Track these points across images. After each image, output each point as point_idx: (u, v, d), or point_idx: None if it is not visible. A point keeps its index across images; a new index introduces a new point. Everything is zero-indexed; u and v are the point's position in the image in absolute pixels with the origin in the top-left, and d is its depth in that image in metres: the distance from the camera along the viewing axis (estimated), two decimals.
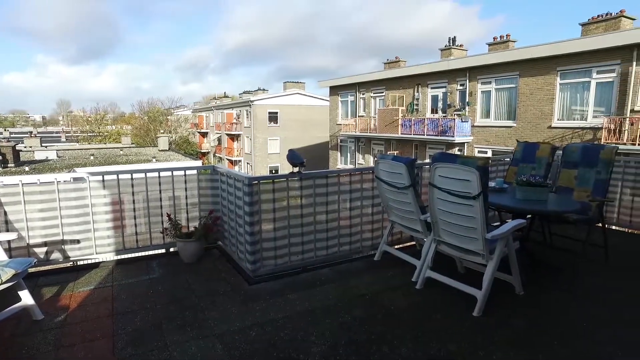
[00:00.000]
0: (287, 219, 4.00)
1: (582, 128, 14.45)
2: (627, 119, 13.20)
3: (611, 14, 15.88)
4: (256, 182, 3.82)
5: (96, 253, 4.22)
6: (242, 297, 3.48)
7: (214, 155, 51.57)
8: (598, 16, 16.26)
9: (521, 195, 3.78)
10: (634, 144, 12.80)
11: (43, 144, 30.15)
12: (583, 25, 16.69)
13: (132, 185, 4.28)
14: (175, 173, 4.52)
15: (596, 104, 14.33)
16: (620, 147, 13.01)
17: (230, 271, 4.08)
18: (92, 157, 19.51)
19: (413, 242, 4.68)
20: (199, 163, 19.57)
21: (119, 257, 4.36)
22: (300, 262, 4.13)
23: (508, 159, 5.35)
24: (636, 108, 13.28)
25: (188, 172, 4.56)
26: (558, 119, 15.28)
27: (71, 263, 4.22)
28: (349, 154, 26.48)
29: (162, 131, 45.82)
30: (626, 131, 13.21)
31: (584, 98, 14.61)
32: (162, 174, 4.42)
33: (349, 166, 26.25)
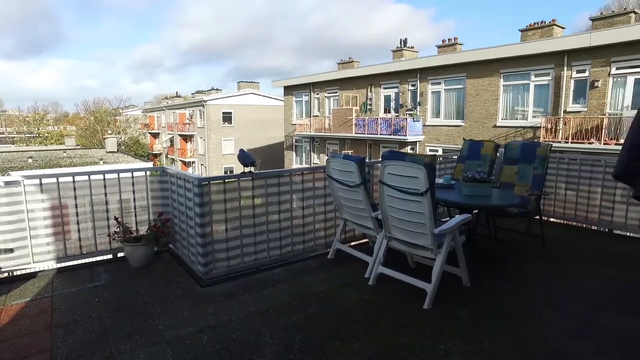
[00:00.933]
0: (239, 219, 3.95)
1: (524, 127, 15.36)
2: (561, 119, 14.19)
3: (545, 22, 17.04)
4: (206, 182, 3.74)
5: (33, 262, 3.95)
6: (194, 300, 3.39)
7: (167, 157, 49.91)
8: (534, 24, 17.37)
9: (467, 191, 3.95)
10: (567, 142, 13.76)
11: None
12: (522, 31, 17.74)
13: (75, 189, 4.04)
14: (122, 175, 4.33)
15: (535, 104, 15.30)
16: (555, 144, 14.00)
17: (182, 274, 3.97)
18: (30, 160, 18.22)
19: (366, 240, 4.77)
20: (149, 165, 18.85)
21: (60, 265, 4.11)
22: (253, 262, 4.08)
23: (456, 157, 5.57)
24: (568, 109, 14.30)
25: (137, 174, 4.38)
26: (502, 119, 16.14)
27: (7, 274, 3.92)
28: (304, 154, 26.54)
29: (110, 132, 43.74)
30: (560, 130, 14.19)
31: (524, 99, 15.55)
32: (109, 176, 4.22)
33: (304, 166, 26.32)
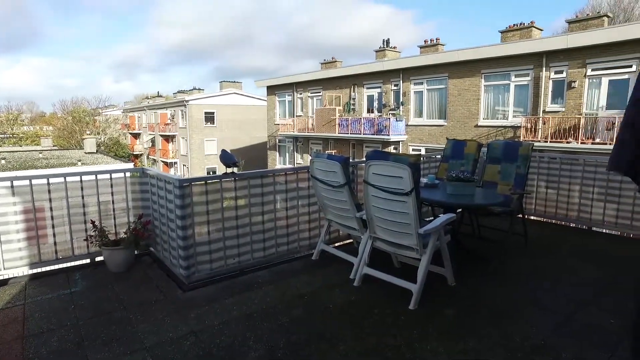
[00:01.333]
0: (221, 221, 3.87)
1: (504, 127, 15.61)
2: (540, 119, 14.47)
3: (524, 24, 17.35)
4: (187, 184, 3.65)
5: (4, 269, 3.78)
6: (175, 305, 3.30)
7: (148, 157, 49.12)
8: (514, 25, 17.67)
9: (451, 190, 3.96)
10: (546, 141, 14.04)
11: None
12: (502, 32, 18.02)
13: (49, 191, 3.90)
14: (101, 177, 4.20)
15: (515, 104, 15.58)
16: (535, 144, 14.29)
17: (163, 278, 3.86)
18: (3, 162, 17.61)
19: (350, 240, 4.74)
20: (130, 165, 18.46)
21: (34, 271, 3.95)
22: (237, 265, 4.01)
23: (439, 156, 5.60)
24: (547, 109, 14.60)
25: (116, 175, 4.25)
26: (484, 118, 16.37)
27: None
28: (287, 154, 26.44)
29: (88, 132, 42.83)
30: (540, 129, 14.47)
31: (505, 99, 15.81)
32: (87, 177, 4.08)
33: (288, 166, 26.22)
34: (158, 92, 57.57)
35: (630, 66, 13.00)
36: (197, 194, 3.71)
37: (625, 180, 4.93)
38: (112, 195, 4.23)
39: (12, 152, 20.05)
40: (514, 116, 15.55)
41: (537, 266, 4.13)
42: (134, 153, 50.67)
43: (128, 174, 4.36)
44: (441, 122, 17.70)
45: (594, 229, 5.38)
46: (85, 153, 21.14)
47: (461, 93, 16.87)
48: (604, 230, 5.30)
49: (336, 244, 4.69)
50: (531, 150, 4.57)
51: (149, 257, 4.44)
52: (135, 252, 4.22)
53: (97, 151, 21.70)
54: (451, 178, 3.97)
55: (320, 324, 2.97)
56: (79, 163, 18.30)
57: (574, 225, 5.55)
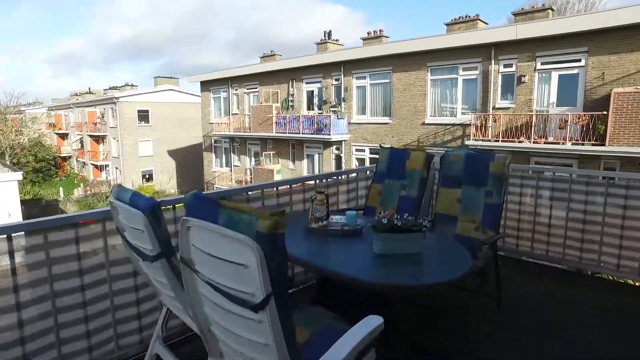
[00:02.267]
0: None
1: (453, 124, 14.35)
2: (491, 116, 13.34)
3: (469, 16, 16.29)
4: None
5: None
6: None
7: (77, 160, 44.65)
8: (459, 17, 16.57)
9: (381, 248, 2.17)
10: (497, 140, 12.92)
11: None
12: (447, 25, 16.84)
13: None
14: None
15: (464, 100, 14.34)
16: (486, 143, 13.16)
17: None
18: None
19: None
20: (18, 176, 15.35)
21: None
22: None
23: (369, 171, 3.83)
24: (497, 105, 13.50)
25: None
26: (431, 115, 15.05)
27: None
28: (224, 156, 24.11)
29: None
30: (490, 128, 13.33)
31: (453, 95, 14.55)
32: None
33: (225, 169, 23.91)
34: (89, 89, 52.51)
35: (579, 60, 12.15)
36: None
37: (632, 205, 3.41)
38: None
39: None
40: (462, 113, 14.33)
41: (517, 349, 2.45)
42: (61, 155, 45.77)
43: None
44: (386, 119, 16.21)
45: (588, 272, 3.84)
46: None
47: (406, 88, 15.45)
48: (600, 274, 3.77)
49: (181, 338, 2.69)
50: (508, 166, 2.89)
51: None
52: None
53: None
54: (381, 226, 2.17)
55: None
56: None
57: (559, 266, 3.96)
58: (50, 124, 47.94)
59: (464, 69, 14.09)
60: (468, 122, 13.80)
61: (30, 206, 31.13)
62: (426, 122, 15.02)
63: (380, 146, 3.76)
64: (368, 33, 19.24)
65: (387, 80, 16.02)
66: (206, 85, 24.26)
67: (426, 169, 3.26)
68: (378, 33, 18.87)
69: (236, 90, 22.53)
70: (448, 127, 14.44)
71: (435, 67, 14.70)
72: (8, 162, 39.55)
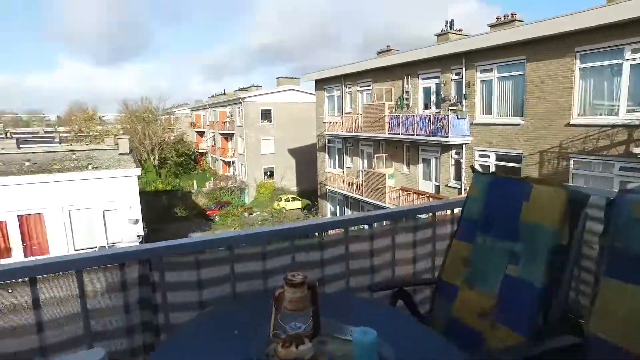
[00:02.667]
0: None
1: (613, 126, 11.05)
2: None
3: None
4: None
5: None
6: None
7: (211, 156, 49.42)
8: None
9: None
10: None
11: (21, 145, 27.71)
12: None
13: None
14: None
15: (631, 94, 10.90)
16: None
17: None
18: (27, 164, 16.80)
19: None
20: (137, 171, 16.80)
21: None
22: None
23: (450, 212, 2.27)
24: None
25: None
26: (579, 114, 11.92)
27: None
28: (336, 156, 23.44)
29: (151, 132, 43.89)
30: None
31: (614, 86, 11.20)
32: None
33: (337, 170, 23.21)
34: (224, 91, 57.64)
35: None
36: None
37: None
38: None
39: (45, 152, 19.42)
40: (628, 110, 10.90)
41: None
42: (199, 151, 51.19)
43: None
44: (517, 119, 13.41)
45: None
46: (120, 154, 20.01)
47: (545, 81, 12.48)
48: None
49: None
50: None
51: None
52: None
53: (130, 152, 20.48)
54: None
55: None
56: (90, 167, 16.99)
57: None
58: (191, 122, 53.88)
59: (633, 51, 10.67)
60: (637, 123, 10.44)
61: (170, 197, 35.23)
62: (572, 122, 11.93)
63: (473, 169, 2.19)
64: (497, 18, 16.44)
65: (519, 73, 13.21)
66: (320, 83, 23.87)
67: (566, 225, 1.60)
68: (509, 17, 15.92)
69: (349, 88, 21.59)
70: (605, 129, 11.16)
71: (588, 51, 11.51)
72: (157, 157, 45.70)
